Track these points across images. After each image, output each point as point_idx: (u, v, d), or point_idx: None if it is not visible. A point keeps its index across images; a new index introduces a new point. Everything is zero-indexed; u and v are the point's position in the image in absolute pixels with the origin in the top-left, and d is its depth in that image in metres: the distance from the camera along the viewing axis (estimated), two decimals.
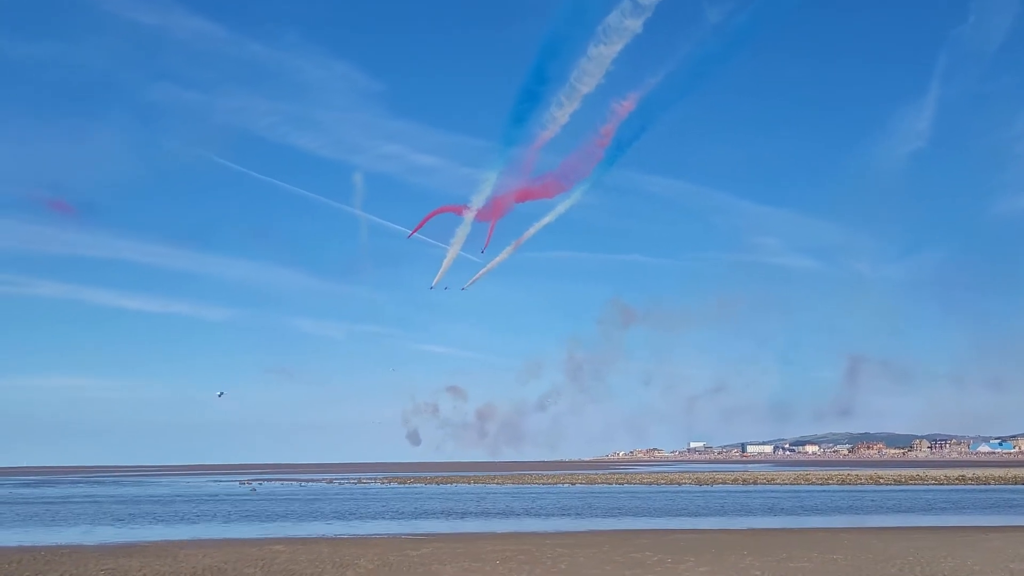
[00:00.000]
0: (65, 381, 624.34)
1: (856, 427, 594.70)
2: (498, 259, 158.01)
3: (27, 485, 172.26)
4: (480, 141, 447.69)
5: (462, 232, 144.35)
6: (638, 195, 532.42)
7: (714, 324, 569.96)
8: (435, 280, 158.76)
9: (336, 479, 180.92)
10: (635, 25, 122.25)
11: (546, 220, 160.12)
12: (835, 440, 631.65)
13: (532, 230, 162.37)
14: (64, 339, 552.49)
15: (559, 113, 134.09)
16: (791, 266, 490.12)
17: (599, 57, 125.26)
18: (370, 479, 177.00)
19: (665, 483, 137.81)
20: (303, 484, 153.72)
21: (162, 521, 68.99)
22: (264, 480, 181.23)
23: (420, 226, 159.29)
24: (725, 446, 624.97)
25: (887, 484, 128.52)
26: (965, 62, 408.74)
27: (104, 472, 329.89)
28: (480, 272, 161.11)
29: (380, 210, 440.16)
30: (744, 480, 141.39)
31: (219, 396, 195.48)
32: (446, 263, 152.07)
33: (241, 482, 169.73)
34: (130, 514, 78.06)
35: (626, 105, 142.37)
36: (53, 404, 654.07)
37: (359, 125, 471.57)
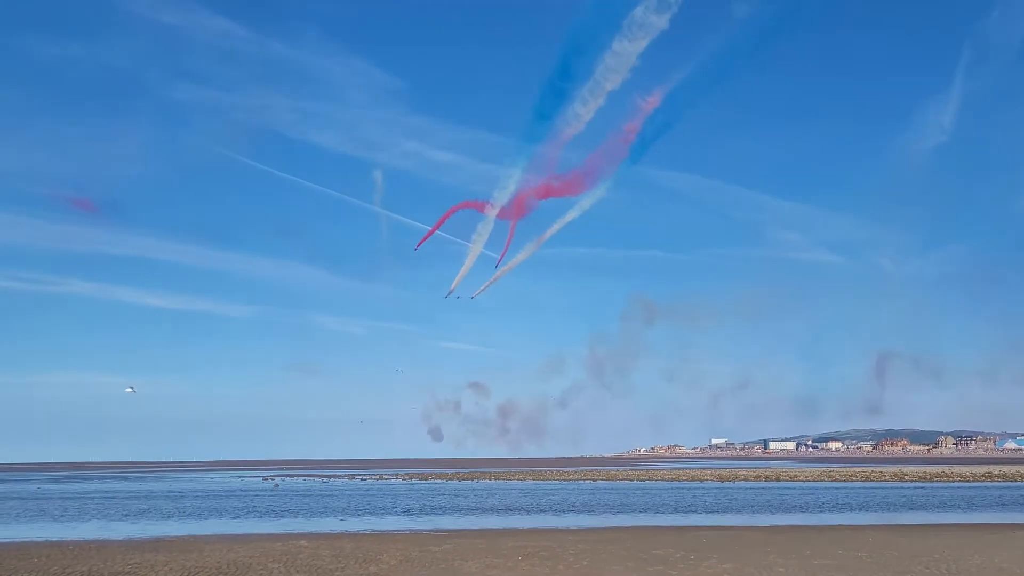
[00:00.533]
0: (93, 378, 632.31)
1: (880, 424, 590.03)
2: (515, 260, 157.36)
3: (55, 481, 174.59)
4: (500, 138, 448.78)
5: (484, 230, 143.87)
6: (660, 191, 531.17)
7: (737, 320, 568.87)
8: (453, 284, 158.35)
9: (358, 475, 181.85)
10: (661, 21, 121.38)
11: (569, 217, 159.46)
12: (859, 437, 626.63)
13: (555, 227, 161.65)
14: (92, 336, 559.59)
15: (583, 109, 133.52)
16: (814, 261, 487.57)
17: (624, 53, 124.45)
18: (391, 475, 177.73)
19: (687, 479, 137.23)
20: (325, 480, 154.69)
21: (186, 516, 69.68)
22: (287, 476, 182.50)
23: (428, 236, 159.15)
24: (747, 443, 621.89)
25: (912, 481, 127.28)
26: (989, 56, 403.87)
27: (130, 468, 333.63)
28: (490, 280, 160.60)
29: (400, 207, 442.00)
30: (767, 477, 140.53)
31: (129, 391, 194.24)
32: (464, 268, 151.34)
33: (264, 478, 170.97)
34: (154, 509, 78.90)
35: (651, 101, 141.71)
36: (80, 401, 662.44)
37: (379, 122, 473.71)
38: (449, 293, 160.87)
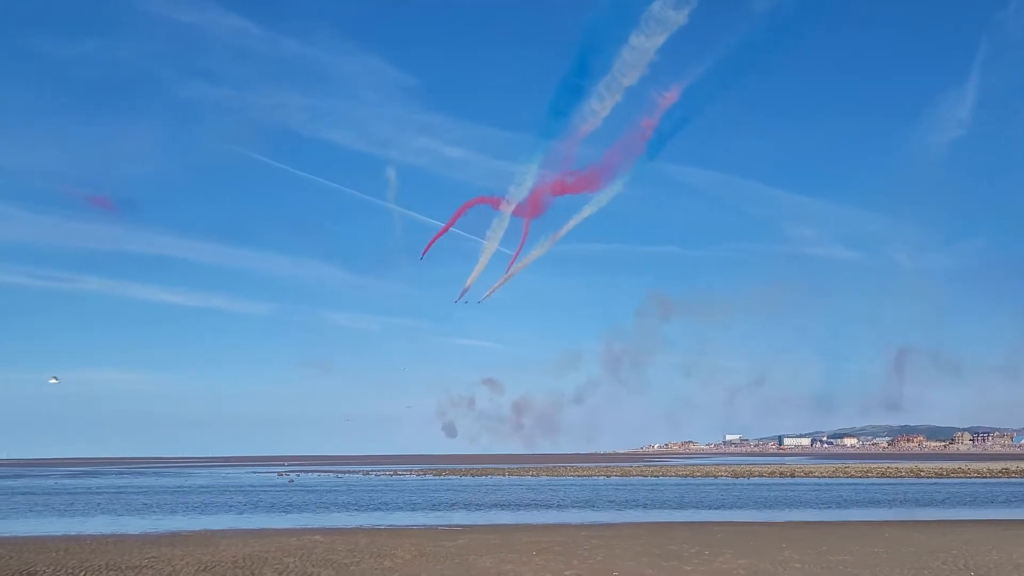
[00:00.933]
0: (111, 375, 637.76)
1: (896, 420, 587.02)
2: (530, 257, 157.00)
3: (73, 476, 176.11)
4: (515, 134, 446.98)
5: (499, 227, 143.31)
6: (676, 187, 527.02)
7: (753, 316, 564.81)
8: (468, 282, 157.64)
9: (372, 471, 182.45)
10: (680, 16, 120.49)
11: (585, 213, 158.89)
12: (874, 433, 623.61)
13: (571, 223, 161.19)
14: (108, 333, 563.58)
15: (600, 106, 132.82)
16: (830, 257, 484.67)
17: (642, 48, 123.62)
18: (406, 471, 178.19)
19: (701, 475, 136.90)
20: (340, 476, 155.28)
21: (201, 511, 70.12)
22: (301, 471, 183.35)
23: (436, 238, 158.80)
24: (762, 439, 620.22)
25: (928, 477, 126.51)
26: (1007, 49, 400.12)
27: (146, 463, 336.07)
28: (500, 282, 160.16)
29: (414, 204, 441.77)
30: (781, 473, 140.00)
31: (53, 381, 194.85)
32: (479, 266, 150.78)
33: (279, 473, 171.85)
34: (169, 504, 79.44)
35: (669, 97, 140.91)
36: (101, 397, 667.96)
37: (392, 119, 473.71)
38: (461, 295, 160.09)
